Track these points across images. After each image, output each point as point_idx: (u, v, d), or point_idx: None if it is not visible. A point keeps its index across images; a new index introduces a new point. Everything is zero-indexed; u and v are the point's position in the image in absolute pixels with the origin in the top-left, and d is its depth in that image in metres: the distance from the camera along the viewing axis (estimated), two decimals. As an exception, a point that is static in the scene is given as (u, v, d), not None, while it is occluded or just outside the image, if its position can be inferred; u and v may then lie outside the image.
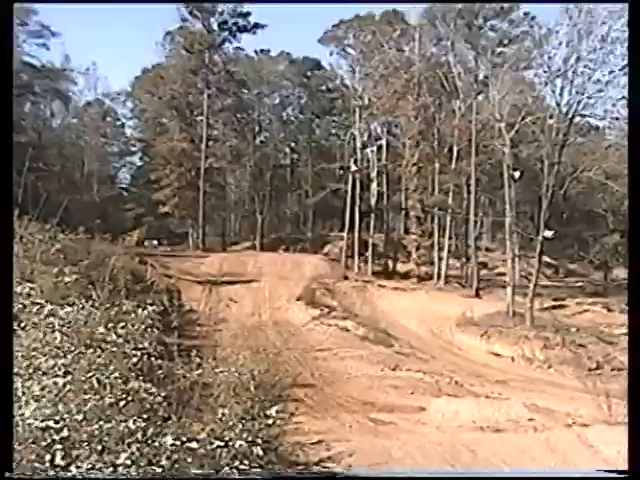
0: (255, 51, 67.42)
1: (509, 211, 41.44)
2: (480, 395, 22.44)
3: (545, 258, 46.27)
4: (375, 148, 55.74)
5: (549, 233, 39.58)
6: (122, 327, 10.41)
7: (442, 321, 37.81)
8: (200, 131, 57.06)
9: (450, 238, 49.23)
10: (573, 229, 55.45)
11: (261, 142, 66.81)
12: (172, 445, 6.79)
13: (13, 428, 6.23)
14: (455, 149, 48.93)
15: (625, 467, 13.19)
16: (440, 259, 48.01)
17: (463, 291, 45.28)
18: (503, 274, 44.90)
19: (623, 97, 47.16)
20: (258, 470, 7.50)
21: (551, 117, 42.12)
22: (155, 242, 56.23)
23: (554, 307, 43.26)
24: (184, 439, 7.00)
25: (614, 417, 16.05)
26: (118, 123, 75.45)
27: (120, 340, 9.89)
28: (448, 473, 9.01)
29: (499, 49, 47.32)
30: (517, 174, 41.78)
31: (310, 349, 28.10)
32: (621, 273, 55.33)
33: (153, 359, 10.18)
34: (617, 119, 52.12)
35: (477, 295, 44.11)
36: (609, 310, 44.10)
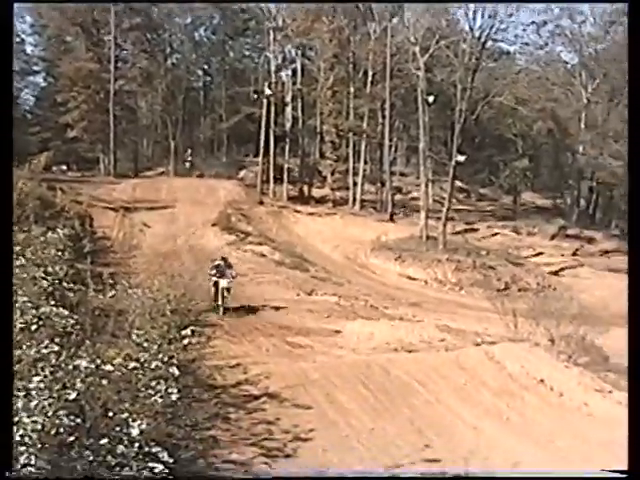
0: (165, -34, 64.55)
1: (423, 136, 41.86)
2: (394, 317, 23.00)
3: (457, 183, 47.21)
4: (290, 71, 54.93)
5: (461, 158, 40.30)
6: (31, 252, 10.08)
7: (357, 245, 38.31)
8: (108, 51, 54.66)
9: (365, 163, 49.40)
10: (484, 154, 56.50)
11: (173, 64, 64.35)
12: (86, 368, 6.67)
13: (13, 427, 6.02)
14: (370, 73, 48.68)
15: (528, 381, 13.91)
16: (355, 184, 48.20)
17: (378, 216, 45.79)
18: (417, 199, 45.58)
19: (533, 22, 47.97)
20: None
21: (464, 41, 42.39)
22: (64, 167, 54.31)
23: (466, 231, 44.42)
24: (98, 362, 6.89)
25: (519, 334, 16.76)
26: (17, 39, 71.25)
27: (29, 264, 9.58)
28: (448, 473, 9.28)
29: (414, -31, 46.76)
30: (431, 99, 42.11)
31: (226, 274, 28.01)
32: (529, 197, 57.14)
33: (65, 284, 9.94)
34: (527, 44, 53.04)
35: (391, 219, 44.75)
36: (518, 233, 45.70)
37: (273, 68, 51.21)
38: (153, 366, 7.49)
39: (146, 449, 6.47)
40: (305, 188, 50.93)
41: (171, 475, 6.68)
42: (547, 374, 14.05)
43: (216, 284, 20.98)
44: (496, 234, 45.23)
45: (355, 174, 48.34)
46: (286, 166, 50.18)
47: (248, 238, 36.59)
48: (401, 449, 10.93)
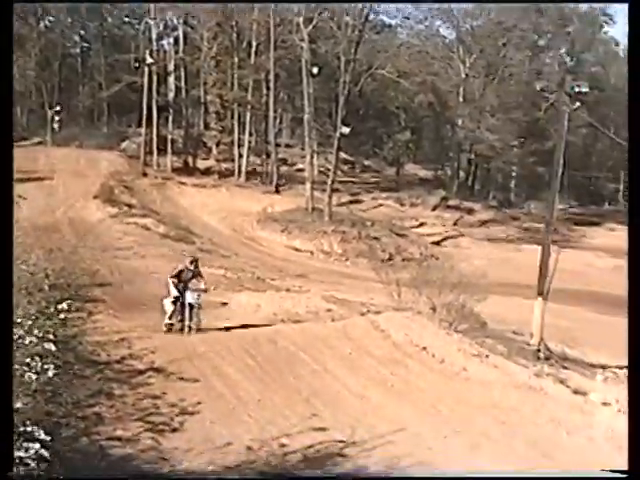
0: None
1: (308, 107, 41.96)
2: (281, 289, 23.08)
3: (342, 154, 47.63)
4: (172, 39, 53.59)
5: (346, 129, 40.69)
6: None
7: (243, 217, 38.22)
8: (-27, 12, 51.51)
9: (250, 134, 49.05)
10: (368, 126, 57.24)
11: (46, 27, 61.28)
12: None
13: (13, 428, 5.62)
14: (254, 43, 48.17)
15: (411, 348, 14.30)
16: (240, 155, 47.87)
17: (263, 187, 45.69)
18: (302, 170, 45.75)
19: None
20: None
21: (347, 14, 42.68)
22: None
23: (351, 202, 45.06)
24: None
25: (402, 303, 17.17)
26: None
27: None
28: (447, 473, 9.27)
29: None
30: (315, 70, 42.28)
31: (109, 248, 27.27)
32: (411, 169, 58.46)
33: None
34: (407, 18, 54.09)
35: (277, 191, 44.74)
36: (401, 204, 46.79)
37: (154, 36, 49.78)
38: (27, 342, 7.17)
39: (21, 428, 6.21)
40: (190, 159, 50.14)
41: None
42: (429, 341, 14.47)
43: (177, 299, 15.34)
44: (380, 205, 46.15)
45: (240, 145, 47.99)
46: (170, 137, 49.20)
47: (132, 210, 35.80)
48: (289, 419, 10.99)
